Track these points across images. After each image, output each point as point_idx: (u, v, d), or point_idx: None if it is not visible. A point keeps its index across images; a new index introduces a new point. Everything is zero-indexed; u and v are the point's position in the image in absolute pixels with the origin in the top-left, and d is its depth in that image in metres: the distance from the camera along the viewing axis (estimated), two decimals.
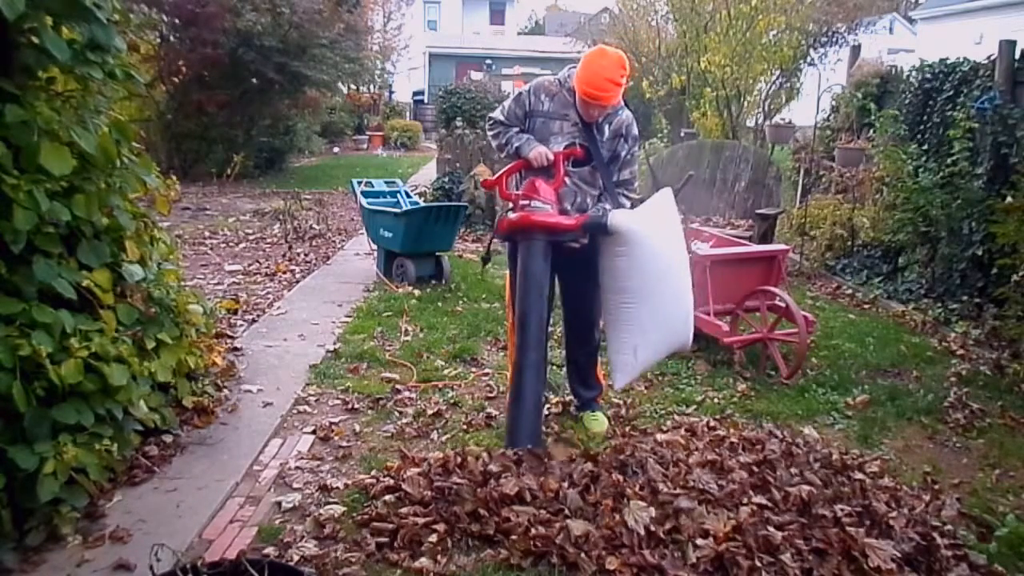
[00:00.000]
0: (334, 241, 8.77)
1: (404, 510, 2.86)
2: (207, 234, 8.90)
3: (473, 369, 4.66)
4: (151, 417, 3.22)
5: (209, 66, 12.70)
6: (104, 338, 2.88)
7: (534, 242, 3.39)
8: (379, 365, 4.68)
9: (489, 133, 3.77)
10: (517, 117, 3.65)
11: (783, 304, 4.54)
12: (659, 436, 3.52)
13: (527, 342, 3.34)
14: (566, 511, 2.82)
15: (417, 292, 6.28)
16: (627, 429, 3.73)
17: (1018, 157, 5.45)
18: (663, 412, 4.04)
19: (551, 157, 3.50)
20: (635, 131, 3.65)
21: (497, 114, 3.72)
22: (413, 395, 4.22)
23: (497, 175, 3.72)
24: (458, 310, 5.86)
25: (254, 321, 5.56)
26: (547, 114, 3.57)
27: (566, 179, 3.55)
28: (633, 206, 3.70)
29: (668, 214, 3.50)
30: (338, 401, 4.13)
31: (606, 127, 3.55)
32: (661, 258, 3.35)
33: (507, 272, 3.81)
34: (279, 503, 3.06)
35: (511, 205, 3.62)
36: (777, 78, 11.32)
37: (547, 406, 3.97)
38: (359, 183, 7.57)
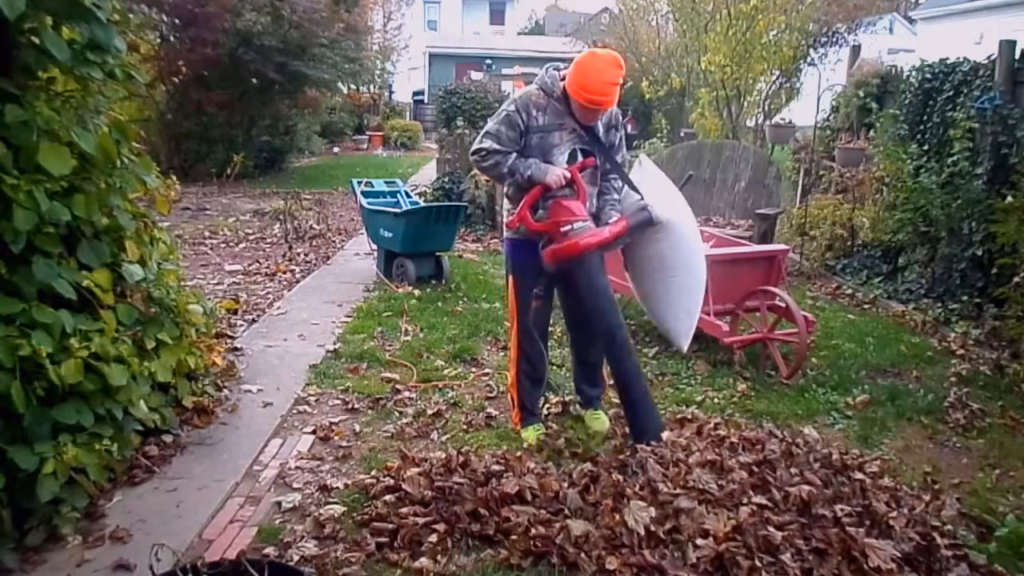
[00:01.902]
0: (334, 241, 8.77)
1: (404, 510, 2.86)
2: (207, 234, 8.90)
3: (473, 369, 4.66)
4: (151, 417, 3.23)
5: (209, 66, 12.70)
6: (104, 338, 2.88)
7: (590, 261, 3.37)
8: (379, 365, 4.68)
9: (484, 164, 3.50)
10: (512, 140, 3.44)
11: (783, 304, 4.54)
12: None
13: (622, 353, 3.41)
14: (566, 511, 2.82)
15: (417, 292, 6.28)
16: (627, 429, 3.73)
17: (1018, 157, 5.44)
18: (663, 412, 4.03)
19: (568, 175, 3.42)
20: (620, 117, 3.68)
21: (488, 143, 3.45)
22: (413, 395, 4.22)
23: (519, 211, 3.47)
24: (458, 310, 5.86)
25: (254, 321, 5.56)
26: (543, 128, 3.44)
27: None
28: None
29: (658, 177, 3.71)
30: (338, 401, 4.13)
31: (600, 124, 3.53)
32: (688, 225, 3.64)
33: (508, 275, 3.76)
34: (279, 503, 3.06)
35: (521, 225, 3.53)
36: (777, 78, 11.32)
37: (547, 406, 3.98)
38: (359, 183, 7.57)
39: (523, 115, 3.43)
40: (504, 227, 3.75)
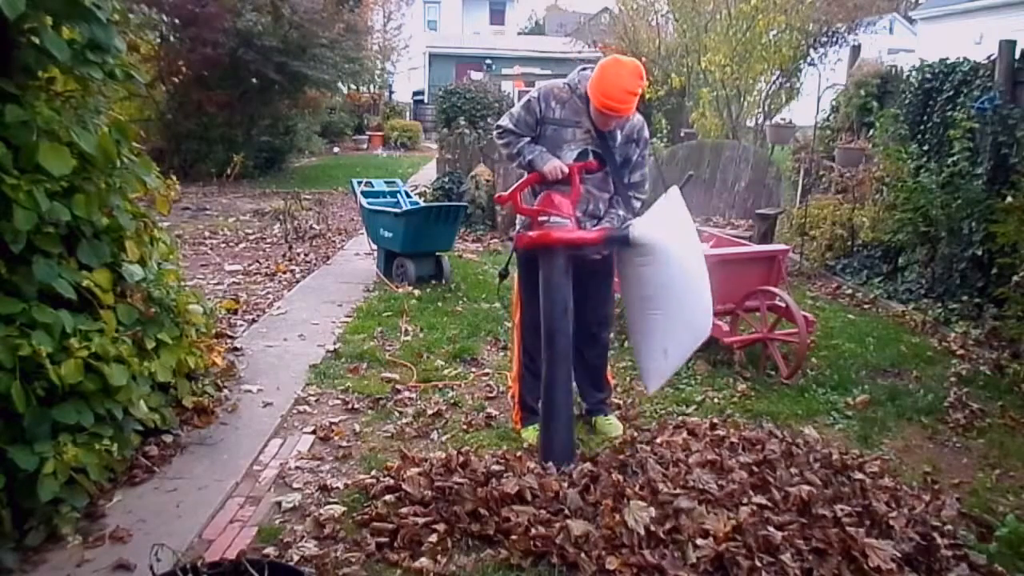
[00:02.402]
0: (334, 241, 8.77)
1: (404, 510, 2.86)
2: (207, 234, 8.90)
3: (473, 369, 4.66)
4: (151, 417, 3.22)
5: (209, 66, 12.70)
6: (104, 338, 2.88)
7: (555, 257, 3.36)
8: (379, 365, 4.68)
9: (499, 142, 3.64)
10: (527, 125, 3.51)
11: (783, 304, 4.54)
12: (659, 437, 3.52)
13: (556, 357, 3.34)
14: (566, 511, 2.82)
15: (417, 292, 6.28)
16: (627, 428, 3.73)
17: (1018, 157, 5.44)
18: (663, 412, 4.04)
19: (565, 170, 3.43)
20: (646, 134, 3.63)
21: (506, 122, 3.57)
22: (413, 395, 4.22)
23: (510, 190, 3.59)
24: (458, 310, 5.86)
25: (254, 321, 5.56)
26: (559, 121, 3.47)
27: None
28: (643, 207, 3.67)
29: (679, 213, 3.43)
30: (338, 401, 4.13)
31: (618, 132, 3.51)
32: (682, 260, 3.30)
33: (515, 275, 3.75)
34: (279, 503, 3.06)
35: (525, 219, 3.56)
36: (777, 78, 11.31)
37: None
38: (359, 183, 7.57)
39: (542, 104, 3.48)
40: (517, 223, 3.75)
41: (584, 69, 3.53)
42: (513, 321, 3.79)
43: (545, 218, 3.39)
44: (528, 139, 3.51)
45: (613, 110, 3.31)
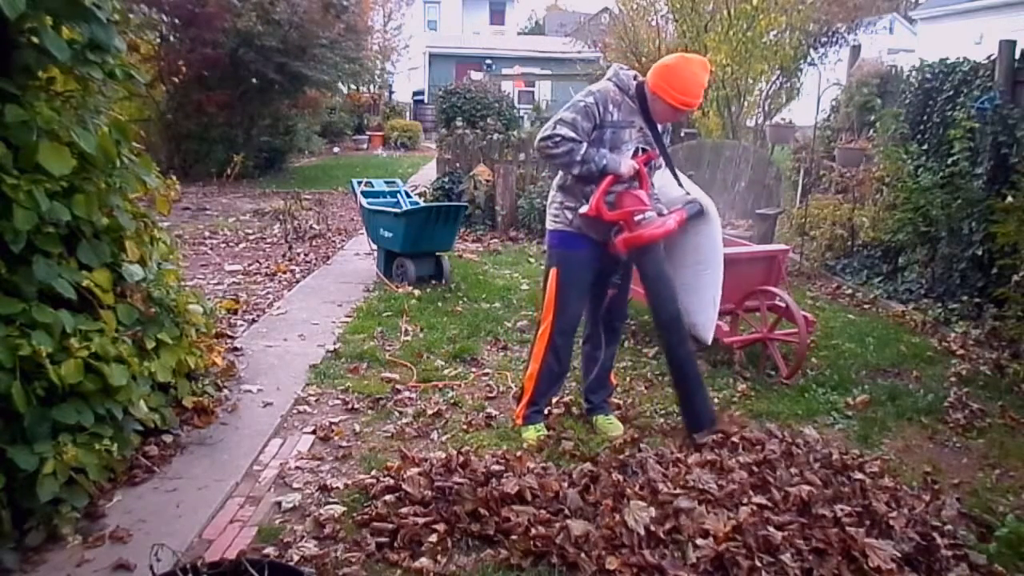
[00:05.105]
0: (334, 241, 8.77)
1: (404, 510, 2.86)
2: (207, 234, 8.90)
3: (473, 369, 4.66)
4: (151, 417, 3.22)
5: (209, 66, 12.71)
6: (104, 338, 2.88)
7: (657, 250, 3.54)
8: (379, 365, 4.68)
9: (556, 150, 3.43)
10: (586, 131, 3.45)
11: (783, 304, 4.54)
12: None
13: (684, 336, 3.60)
14: (566, 511, 2.82)
15: (417, 292, 6.28)
16: (628, 429, 3.73)
17: (1018, 157, 5.44)
18: (663, 412, 4.04)
19: (636, 167, 3.52)
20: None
21: (565, 131, 3.42)
22: (413, 395, 4.22)
23: (593, 202, 3.46)
24: (458, 310, 5.86)
25: (254, 321, 5.56)
26: (616, 124, 3.50)
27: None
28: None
29: (687, 180, 3.94)
30: (338, 401, 4.13)
31: (659, 124, 3.64)
32: (718, 225, 3.95)
33: (551, 267, 3.67)
34: (279, 503, 3.06)
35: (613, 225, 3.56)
36: (777, 78, 11.31)
37: (548, 407, 3.97)
38: (359, 183, 7.57)
39: (600, 108, 3.48)
40: (550, 219, 3.71)
41: (623, 71, 3.60)
42: (542, 323, 3.70)
43: (641, 216, 3.48)
44: (587, 144, 3.45)
45: (689, 105, 3.48)
